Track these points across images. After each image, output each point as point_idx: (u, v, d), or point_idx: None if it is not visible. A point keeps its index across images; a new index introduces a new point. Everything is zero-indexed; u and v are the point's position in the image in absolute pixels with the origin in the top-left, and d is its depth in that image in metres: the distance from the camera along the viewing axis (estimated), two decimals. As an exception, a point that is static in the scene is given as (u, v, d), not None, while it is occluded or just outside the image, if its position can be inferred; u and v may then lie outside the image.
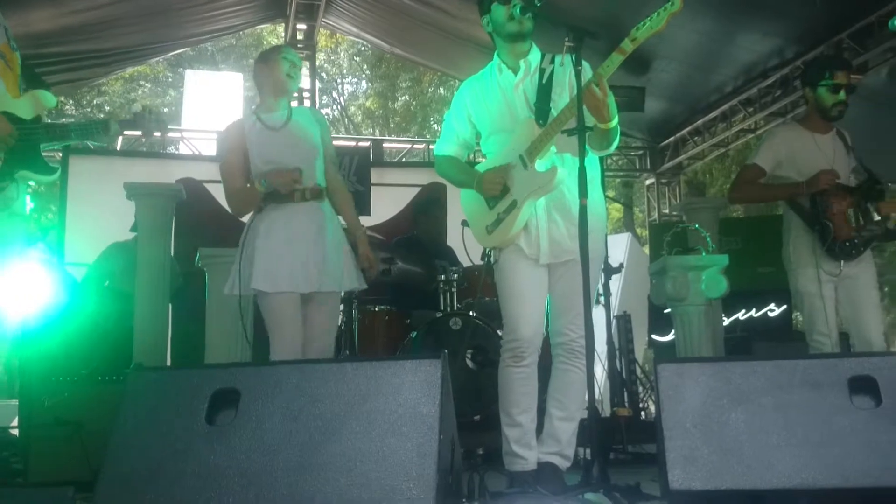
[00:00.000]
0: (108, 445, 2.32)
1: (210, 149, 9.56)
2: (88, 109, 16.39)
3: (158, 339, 5.11)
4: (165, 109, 16.25)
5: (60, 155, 7.87)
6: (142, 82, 17.43)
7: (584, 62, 2.85)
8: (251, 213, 3.52)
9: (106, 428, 2.38)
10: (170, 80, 17.61)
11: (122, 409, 2.40)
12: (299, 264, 3.37)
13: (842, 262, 3.84)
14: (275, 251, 3.38)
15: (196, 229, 6.02)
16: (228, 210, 3.63)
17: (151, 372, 2.71)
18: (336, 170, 3.72)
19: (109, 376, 4.21)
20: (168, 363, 5.38)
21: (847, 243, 3.83)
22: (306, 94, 9.66)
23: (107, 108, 16.48)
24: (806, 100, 4.13)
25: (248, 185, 3.48)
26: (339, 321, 5.20)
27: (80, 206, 7.87)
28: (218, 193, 7.23)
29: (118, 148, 9.34)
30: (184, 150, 9.81)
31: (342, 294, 3.94)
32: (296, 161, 3.45)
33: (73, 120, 13.89)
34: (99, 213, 7.32)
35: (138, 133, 3.93)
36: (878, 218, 3.86)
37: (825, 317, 3.83)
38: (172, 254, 5.48)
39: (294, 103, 3.76)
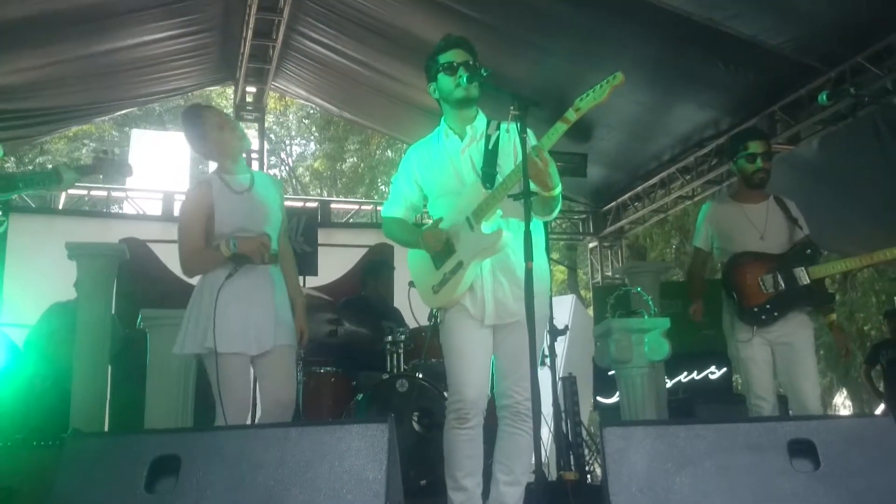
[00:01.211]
0: (44, 516, 2.25)
1: (155, 209, 9.46)
2: (31, 167, 16.10)
3: (97, 402, 4.96)
4: (109, 168, 15.98)
5: (0, 212, 7.71)
6: (86, 141, 17.22)
7: (528, 130, 2.93)
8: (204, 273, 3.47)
9: (40, 495, 2.31)
10: (115, 138, 17.43)
11: (58, 476, 2.33)
12: (253, 326, 3.37)
13: (754, 327, 3.90)
14: (230, 312, 3.34)
15: (139, 290, 5.92)
16: (181, 270, 3.54)
17: (89, 438, 2.64)
18: (285, 235, 3.74)
19: (45, 441, 4.08)
20: (106, 428, 5.22)
21: (756, 309, 3.90)
22: (255, 156, 9.67)
23: (49, 167, 16.17)
24: (735, 173, 4.31)
25: (215, 246, 3.40)
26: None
27: (20, 266, 7.69)
28: (162, 253, 7.19)
29: (61, 206, 9.19)
30: (128, 209, 9.69)
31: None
32: (262, 226, 3.49)
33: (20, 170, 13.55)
34: (39, 272, 7.14)
35: (99, 177, 3.69)
36: (806, 282, 3.91)
37: (755, 379, 3.90)
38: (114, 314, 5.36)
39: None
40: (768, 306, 3.89)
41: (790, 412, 4.11)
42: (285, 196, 3.90)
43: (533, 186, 2.90)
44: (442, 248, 3.10)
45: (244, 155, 3.69)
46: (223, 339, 3.30)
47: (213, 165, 3.77)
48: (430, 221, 3.30)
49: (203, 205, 3.45)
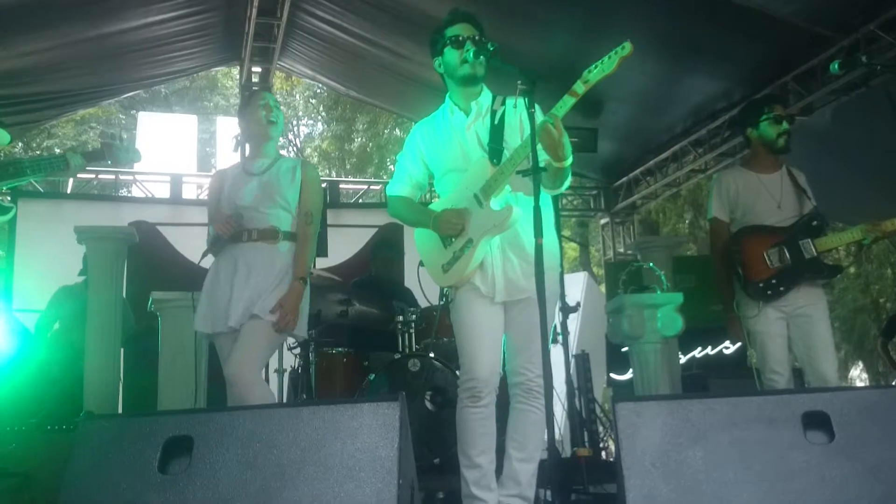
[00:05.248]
0: (59, 497, 2.25)
1: (163, 191, 9.47)
2: (38, 152, 16.13)
3: (110, 386, 4.99)
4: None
5: (10, 198, 7.73)
6: (93, 124, 17.22)
7: (536, 104, 2.89)
8: None
9: (55, 479, 2.32)
10: (122, 122, 17.43)
11: (72, 459, 2.34)
12: (235, 300, 3.34)
13: (760, 303, 3.83)
14: (216, 291, 3.43)
15: (149, 273, 5.93)
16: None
17: (102, 420, 2.65)
18: (306, 222, 3.53)
19: (59, 425, 4.10)
20: (120, 411, 5.25)
21: (761, 284, 3.82)
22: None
23: (57, 151, 16.21)
24: (749, 141, 4.18)
25: None
26: (297, 365, 5.14)
27: (30, 251, 7.73)
28: (171, 236, 7.20)
29: (69, 190, 9.20)
30: (136, 192, 9.70)
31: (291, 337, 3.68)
32: (255, 204, 3.46)
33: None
34: (49, 257, 7.18)
35: (107, 163, 3.65)
36: (812, 255, 3.83)
37: (770, 354, 3.83)
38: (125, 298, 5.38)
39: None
40: (774, 281, 3.82)
41: (807, 385, 4.07)
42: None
43: (544, 159, 2.88)
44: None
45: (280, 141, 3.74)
46: (208, 320, 3.44)
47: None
48: (437, 200, 3.28)
49: (214, 189, 3.63)
